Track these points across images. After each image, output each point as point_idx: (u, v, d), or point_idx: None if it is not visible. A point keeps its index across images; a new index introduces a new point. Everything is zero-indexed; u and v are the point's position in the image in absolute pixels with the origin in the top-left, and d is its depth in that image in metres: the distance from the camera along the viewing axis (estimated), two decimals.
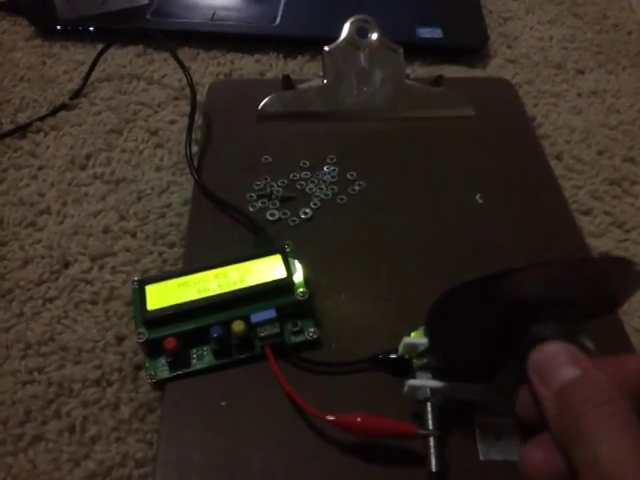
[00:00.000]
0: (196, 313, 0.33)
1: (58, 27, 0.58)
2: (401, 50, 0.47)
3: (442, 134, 0.46)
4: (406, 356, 0.31)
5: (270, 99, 0.47)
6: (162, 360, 0.33)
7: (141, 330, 0.32)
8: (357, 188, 0.42)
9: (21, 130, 0.48)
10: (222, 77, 0.54)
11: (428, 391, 0.29)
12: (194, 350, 0.33)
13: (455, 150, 0.45)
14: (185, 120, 0.47)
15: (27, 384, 0.34)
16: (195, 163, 0.44)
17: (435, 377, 0.29)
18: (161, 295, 0.33)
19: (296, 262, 0.35)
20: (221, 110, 0.49)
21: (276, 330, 0.32)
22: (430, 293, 0.25)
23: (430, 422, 0.28)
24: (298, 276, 0.34)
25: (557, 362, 0.23)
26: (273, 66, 0.55)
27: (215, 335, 0.32)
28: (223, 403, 0.31)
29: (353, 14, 0.47)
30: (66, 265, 0.39)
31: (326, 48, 0.46)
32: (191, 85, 0.47)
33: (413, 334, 0.30)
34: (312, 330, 0.34)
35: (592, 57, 0.57)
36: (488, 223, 0.40)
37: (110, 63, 0.55)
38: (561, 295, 0.25)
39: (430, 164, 0.44)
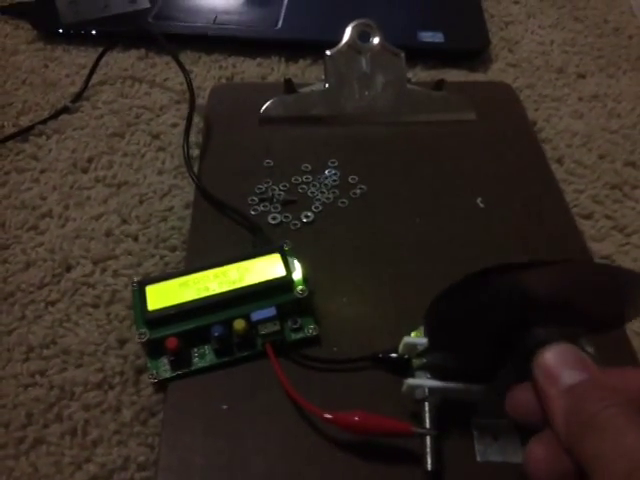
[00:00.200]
0: (197, 312, 0.33)
1: (60, 31, 0.58)
2: (403, 54, 0.47)
3: (443, 138, 0.47)
4: (406, 356, 0.31)
5: (272, 103, 0.47)
6: (164, 360, 0.33)
7: (142, 330, 0.32)
8: (358, 192, 0.42)
9: (23, 133, 0.48)
10: (224, 81, 0.54)
11: (426, 390, 0.29)
12: (195, 349, 0.33)
13: (456, 154, 0.45)
14: (191, 126, 0.47)
15: (29, 387, 0.34)
16: (197, 167, 0.44)
17: (434, 377, 0.29)
18: (161, 295, 0.33)
19: (295, 260, 0.35)
20: (223, 114, 0.49)
21: (276, 327, 0.33)
22: (430, 296, 0.26)
23: (427, 421, 0.29)
24: (297, 274, 0.35)
25: (566, 363, 0.23)
26: (275, 70, 0.56)
27: (216, 334, 0.32)
28: (224, 406, 0.31)
29: (355, 18, 0.47)
30: (68, 268, 0.39)
31: (328, 52, 0.47)
32: (190, 87, 0.48)
33: (413, 334, 0.31)
34: (312, 327, 0.34)
35: (593, 61, 0.57)
36: (489, 227, 0.40)
37: (112, 66, 0.55)
38: (564, 298, 0.25)
39: (431, 168, 0.44)
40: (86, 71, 0.53)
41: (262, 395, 0.32)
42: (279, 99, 0.47)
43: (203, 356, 0.33)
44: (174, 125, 0.49)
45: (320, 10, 0.60)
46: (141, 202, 0.43)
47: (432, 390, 0.29)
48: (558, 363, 0.23)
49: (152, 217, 0.42)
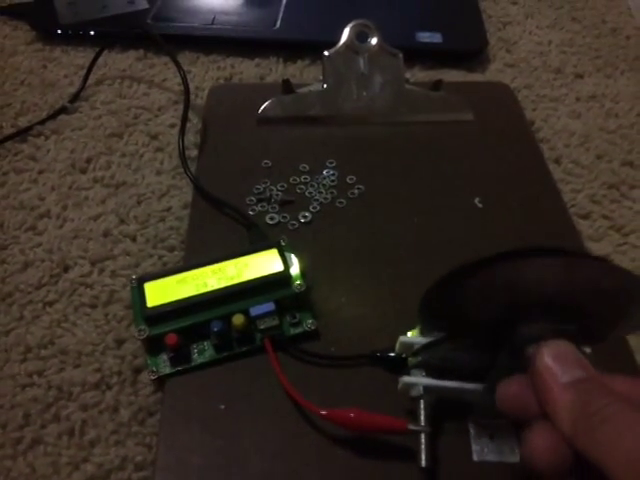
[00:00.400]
0: (196, 308, 0.33)
1: (59, 31, 0.58)
2: (401, 55, 0.47)
3: (441, 138, 0.47)
4: (404, 355, 0.31)
5: (270, 103, 0.47)
6: (163, 356, 0.33)
7: (142, 327, 0.33)
8: (356, 192, 0.42)
9: (22, 134, 0.48)
10: (222, 81, 0.55)
11: (421, 388, 0.29)
12: (194, 345, 0.33)
13: (454, 154, 0.45)
14: (186, 124, 0.47)
15: (26, 387, 0.34)
16: (195, 167, 0.44)
17: (429, 375, 0.30)
18: (160, 292, 0.34)
19: (292, 256, 0.35)
20: (221, 114, 0.49)
21: (275, 322, 0.33)
22: None
23: (422, 419, 0.29)
24: (295, 269, 0.35)
25: (566, 359, 0.23)
26: (273, 70, 0.56)
27: (216, 329, 0.32)
28: (222, 406, 0.31)
29: (353, 19, 0.47)
30: (66, 269, 0.39)
31: (326, 53, 0.47)
32: (185, 84, 0.48)
33: (409, 333, 0.31)
34: (310, 322, 0.34)
35: (591, 61, 0.57)
36: (487, 227, 0.40)
37: (110, 67, 0.55)
38: (565, 293, 0.25)
39: (429, 168, 0.44)
40: (84, 72, 0.53)
41: (260, 394, 0.32)
42: (277, 99, 0.47)
43: (202, 352, 0.33)
44: (172, 125, 0.49)
45: (318, 11, 0.60)
46: (139, 202, 0.43)
47: (427, 388, 0.29)
48: (560, 358, 0.24)
49: (150, 217, 0.42)
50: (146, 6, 0.60)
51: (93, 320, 0.37)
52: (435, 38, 0.57)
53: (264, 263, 0.35)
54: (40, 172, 0.46)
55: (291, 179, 0.43)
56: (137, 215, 0.42)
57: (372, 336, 0.34)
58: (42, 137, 0.48)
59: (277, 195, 0.42)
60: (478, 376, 0.28)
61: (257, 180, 0.43)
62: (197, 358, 0.33)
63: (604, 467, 0.20)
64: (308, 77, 0.55)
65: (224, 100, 0.50)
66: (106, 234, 0.41)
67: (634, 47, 0.59)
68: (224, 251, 0.36)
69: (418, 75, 0.55)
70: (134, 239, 0.41)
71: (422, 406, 0.29)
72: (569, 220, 0.41)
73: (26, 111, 0.51)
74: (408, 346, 0.31)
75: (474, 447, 0.30)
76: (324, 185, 0.43)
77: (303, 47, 0.57)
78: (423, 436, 0.28)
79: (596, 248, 0.41)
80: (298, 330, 0.34)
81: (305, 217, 0.41)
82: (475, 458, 0.29)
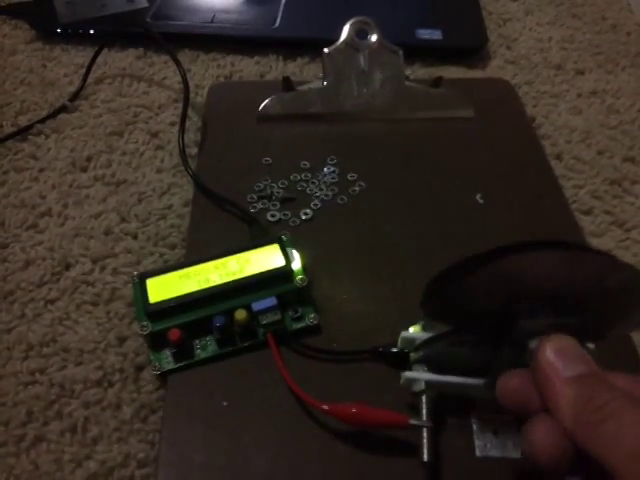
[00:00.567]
0: (198, 304, 0.33)
1: (58, 30, 0.58)
2: (401, 52, 0.47)
3: (442, 135, 0.47)
4: (406, 350, 0.31)
5: (270, 101, 0.47)
6: (166, 352, 0.33)
7: (144, 323, 0.33)
8: (357, 189, 0.42)
9: (22, 133, 0.48)
10: (222, 79, 0.54)
11: (423, 384, 0.29)
12: (197, 341, 0.33)
13: (455, 151, 0.45)
14: (186, 122, 0.47)
15: (29, 385, 0.34)
16: (196, 165, 0.44)
17: (431, 370, 0.30)
18: (162, 288, 0.34)
19: (294, 251, 0.35)
20: (221, 112, 0.49)
21: (277, 317, 0.33)
22: None
23: (424, 413, 0.29)
24: (296, 264, 0.35)
25: (569, 354, 0.24)
26: (273, 68, 0.56)
27: (218, 324, 0.32)
28: (225, 403, 0.31)
29: (353, 16, 0.47)
30: (67, 267, 0.39)
31: (326, 50, 0.47)
32: (184, 81, 0.48)
33: (412, 328, 0.31)
34: (312, 316, 0.34)
35: (591, 58, 0.57)
36: (488, 223, 0.40)
37: (110, 65, 0.55)
38: (559, 288, 0.24)
39: (430, 165, 0.44)
40: (84, 70, 0.53)
41: (262, 391, 0.32)
42: (277, 97, 0.47)
43: (205, 347, 0.33)
44: (172, 124, 0.49)
45: (318, 8, 0.60)
46: (140, 200, 0.43)
47: (429, 383, 0.29)
48: (562, 353, 0.24)
49: (151, 215, 0.42)
50: (145, 4, 0.60)
51: (95, 318, 0.37)
52: (435, 35, 0.57)
53: (266, 258, 0.35)
54: (41, 170, 0.46)
55: (292, 176, 0.43)
56: (138, 213, 0.42)
57: (374, 331, 0.34)
58: (42, 136, 0.48)
59: (278, 192, 0.42)
60: (480, 371, 0.28)
61: (258, 178, 0.43)
62: (200, 353, 0.33)
63: (605, 462, 0.20)
64: (308, 75, 0.55)
65: (224, 98, 0.50)
66: (107, 232, 0.41)
67: (634, 43, 0.59)
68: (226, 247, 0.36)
69: (418, 72, 0.55)
70: (135, 237, 0.41)
71: (424, 401, 0.29)
72: (571, 216, 0.41)
73: (26, 110, 0.51)
74: (410, 341, 0.31)
75: (477, 442, 0.30)
76: (325, 182, 0.43)
77: (303, 45, 0.57)
78: (425, 431, 0.28)
79: (598, 244, 0.41)
80: (300, 325, 0.34)
81: (306, 214, 0.41)
82: (478, 453, 0.29)
